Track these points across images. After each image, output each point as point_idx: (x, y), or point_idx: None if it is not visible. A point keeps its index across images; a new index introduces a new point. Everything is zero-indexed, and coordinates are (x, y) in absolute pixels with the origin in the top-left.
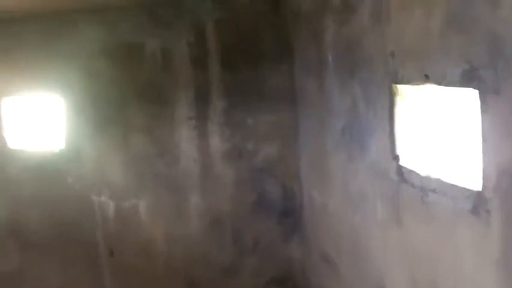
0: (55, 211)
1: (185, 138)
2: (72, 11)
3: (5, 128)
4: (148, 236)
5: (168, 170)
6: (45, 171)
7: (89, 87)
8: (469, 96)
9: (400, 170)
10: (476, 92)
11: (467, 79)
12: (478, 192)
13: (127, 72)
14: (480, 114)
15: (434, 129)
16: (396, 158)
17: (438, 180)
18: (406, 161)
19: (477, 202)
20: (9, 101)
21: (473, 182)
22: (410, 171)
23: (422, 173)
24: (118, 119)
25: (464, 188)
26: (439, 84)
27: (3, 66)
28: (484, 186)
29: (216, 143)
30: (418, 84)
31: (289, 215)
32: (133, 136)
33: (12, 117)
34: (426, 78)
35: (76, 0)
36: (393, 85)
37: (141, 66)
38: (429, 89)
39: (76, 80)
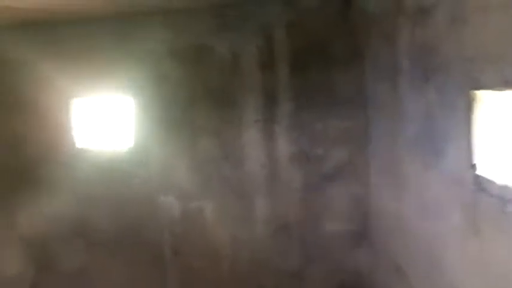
0: (122, 211)
1: (252, 141)
2: (143, 14)
3: (75, 128)
4: (213, 239)
5: (234, 172)
6: (113, 171)
7: (158, 88)
8: None
9: (478, 179)
10: None
11: None
12: None
13: (195, 75)
14: None
15: None
16: (473, 166)
17: None
18: (483, 169)
19: None
20: (80, 101)
21: None
22: (488, 180)
23: (501, 182)
24: (186, 121)
25: None
26: None
27: (74, 67)
28: None
29: (283, 146)
30: (498, 90)
31: (358, 222)
32: (201, 138)
33: (82, 117)
34: (508, 84)
35: (146, 3)
36: (471, 91)
37: (209, 68)
38: (510, 95)
39: (146, 81)
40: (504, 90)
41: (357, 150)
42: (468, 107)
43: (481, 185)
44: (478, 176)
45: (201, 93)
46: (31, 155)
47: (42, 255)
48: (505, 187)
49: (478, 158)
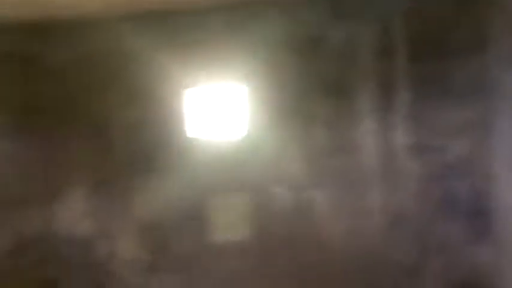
0: (233, 200)
1: (367, 131)
2: (256, 2)
3: (189, 117)
4: (325, 230)
5: (348, 163)
6: (225, 160)
7: (272, 77)
8: None
9: None
10: None
11: None
12: None
13: (310, 64)
14: None
15: None
16: None
17: None
18: None
19: None
20: (193, 90)
21: None
22: None
23: None
24: (299, 110)
25: None
26: None
27: (188, 57)
28: None
29: (400, 137)
30: None
31: (479, 217)
32: (314, 127)
33: (195, 106)
34: None
35: None
36: None
37: (324, 57)
38: None
39: (260, 70)
40: None
41: (479, 141)
42: None
43: None
44: None
45: (315, 82)
46: (146, 143)
47: (157, 239)
48: None
49: None
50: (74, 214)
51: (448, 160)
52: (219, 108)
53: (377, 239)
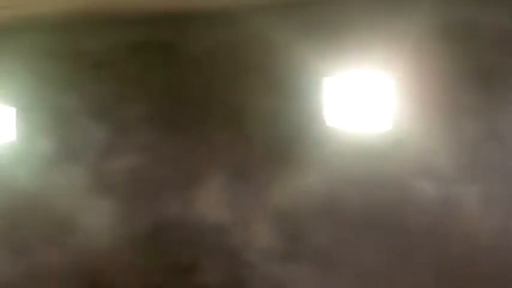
0: (372, 193)
1: None
2: None
3: (327, 107)
4: (472, 227)
5: (501, 157)
6: (365, 152)
7: (418, 65)
8: None
9: None
10: None
11: None
12: None
13: (460, 51)
14: None
15: None
16: None
17: None
18: None
19: None
20: (333, 80)
21: None
22: None
23: None
24: (448, 100)
25: None
26: None
27: (327, 46)
28: None
29: None
30: None
31: None
32: (462, 118)
33: (334, 96)
34: None
35: None
36: None
37: (476, 44)
38: None
39: (405, 58)
40: None
41: None
42: None
43: None
44: None
45: (466, 71)
46: (284, 132)
47: (293, 230)
48: None
49: None
50: (211, 202)
51: None
52: (362, 99)
53: None
